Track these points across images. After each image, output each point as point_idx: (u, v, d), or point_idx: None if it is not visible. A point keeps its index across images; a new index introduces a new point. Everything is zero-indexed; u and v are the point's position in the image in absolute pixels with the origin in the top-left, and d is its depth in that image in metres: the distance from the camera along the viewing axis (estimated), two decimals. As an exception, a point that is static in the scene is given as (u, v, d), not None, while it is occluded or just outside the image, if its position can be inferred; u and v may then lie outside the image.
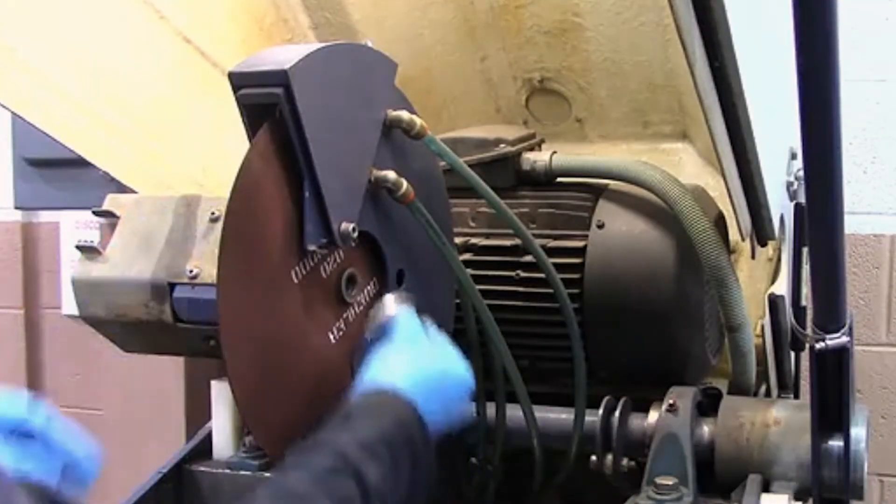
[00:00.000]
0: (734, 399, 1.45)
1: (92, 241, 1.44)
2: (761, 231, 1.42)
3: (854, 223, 2.30)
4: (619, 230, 1.48)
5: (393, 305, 1.14)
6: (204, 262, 1.30)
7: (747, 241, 1.45)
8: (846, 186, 0.92)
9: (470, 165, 1.35)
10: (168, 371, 2.63)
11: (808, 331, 1.15)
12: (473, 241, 1.55)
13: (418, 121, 1.22)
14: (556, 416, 1.48)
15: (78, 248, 1.43)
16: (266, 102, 1.05)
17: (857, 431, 1.29)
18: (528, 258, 1.46)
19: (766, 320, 1.57)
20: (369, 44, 1.23)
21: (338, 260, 1.17)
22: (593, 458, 1.42)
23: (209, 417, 1.55)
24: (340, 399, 1.04)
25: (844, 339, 1.13)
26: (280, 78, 1.03)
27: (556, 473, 1.50)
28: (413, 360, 1.07)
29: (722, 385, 1.52)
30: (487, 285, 1.45)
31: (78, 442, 1.00)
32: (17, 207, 2.96)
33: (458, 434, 1.29)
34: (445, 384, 1.09)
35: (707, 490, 1.34)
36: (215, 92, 1.51)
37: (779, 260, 1.63)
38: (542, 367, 1.55)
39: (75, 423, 1.00)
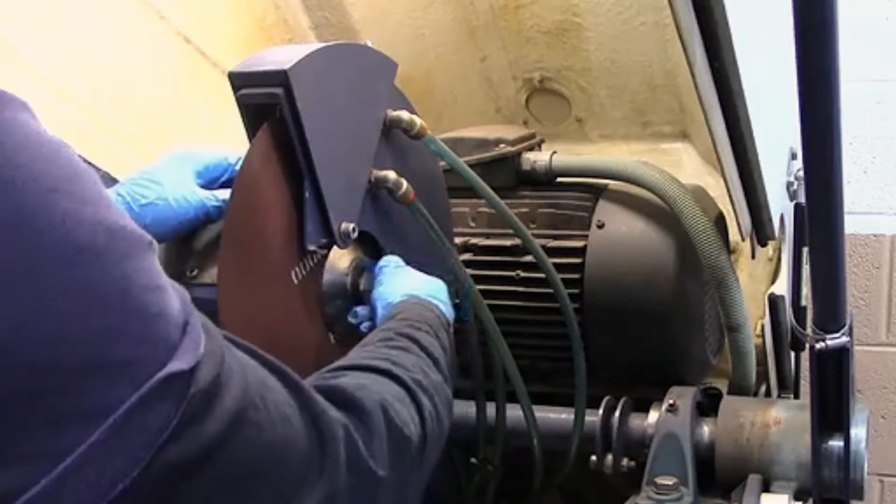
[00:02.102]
0: (734, 399, 1.45)
1: (92, 242, 1.44)
2: (761, 231, 1.42)
3: (854, 223, 2.30)
4: (619, 230, 1.48)
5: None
6: (204, 262, 1.30)
7: (747, 241, 1.45)
8: (846, 186, 0.92)
9: (470, 165, 1.35)
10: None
11: (808, 331, 1.15)
12: (473, 241, 1.55)
13: (418, 121, 1.22)
14: (556, 416, 1.48)
15: (78, 248, 1.43)
16: (266, 102, 1.04)
17: (857, 431, 1.29)
18: (528, 258, 1.46)
19: (766, 320, 1.58)
20: (369, 44, 1.23)
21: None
22: (593, 458, 1.42)
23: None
24: None
25: (844, 339, 1.13)
26: (280, 78, 1.03)
27: (557, 473, 1.50)
28: (407, 277, 1.16)
29: (722, 385, 1.52)
30: (487, 285, 1.45)
31: None
32: (17, 207, 2.95)
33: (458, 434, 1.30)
34: (436, 288, 1.16)
35: (707, 490, 1.34)
36: (215, 92, 1.51)
37: (779, 260, 1.64)
38: (542, 367, 1.56)
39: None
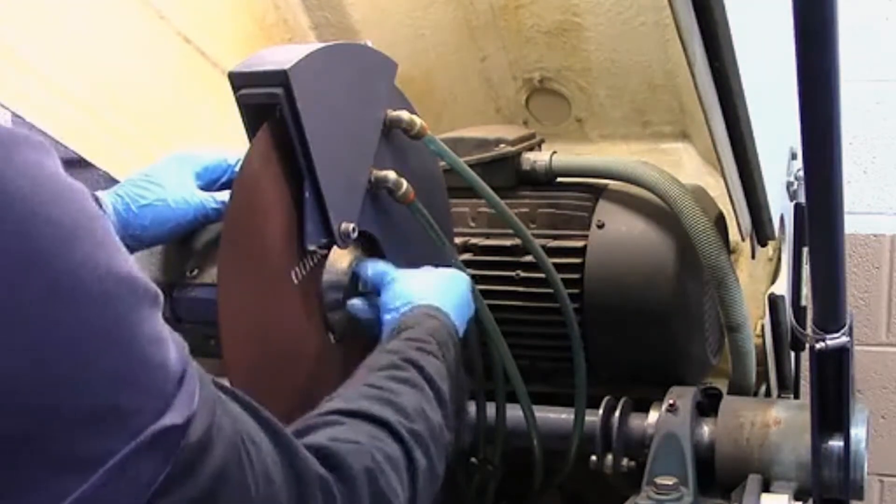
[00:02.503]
0: (734, 399, 1.44)
1: (92, 242, 1.44)
2: (761, 231, 1.42)
3: (854, 223, 2.30)
4: (619, 230, 1.48)
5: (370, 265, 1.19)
6: (204, 262, 1.30)
7: (747, 241, 1.45)
8: (846, 186, 0.92)
9: (470, 165, 1.35)
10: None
11: (808, 331, 1.15)
12: (473, 241, 1.55)
13: (418, 121, 1.22)
14: (556, 416, 1.48)
15: (78, 248, 1.43)
16: (266, 102, 1.05)
17: (857, 431, 1.29)
18: (528, 258, 1.46)
19: (766, 320, 1.57)
20: (369, 44, 1.23)
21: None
22: (593, 458, 1.42)
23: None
24: None
25: (844, 339, 1.13)
26: (280, 78, 1.03)
27: (557, 473, 1.50)
28: (416, 279, 1.14)
29: (722, 385, 1.52)
30: (487, 285, 1.45)
31: None
32: (17, 207, 2.94)
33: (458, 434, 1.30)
34: (452, 287, 1.15)
35: (707, 490, 1.34)
36: (215, 92, 1.51)
37: (779, 260, 1.63)
38: (542, 367, 1.55)
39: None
